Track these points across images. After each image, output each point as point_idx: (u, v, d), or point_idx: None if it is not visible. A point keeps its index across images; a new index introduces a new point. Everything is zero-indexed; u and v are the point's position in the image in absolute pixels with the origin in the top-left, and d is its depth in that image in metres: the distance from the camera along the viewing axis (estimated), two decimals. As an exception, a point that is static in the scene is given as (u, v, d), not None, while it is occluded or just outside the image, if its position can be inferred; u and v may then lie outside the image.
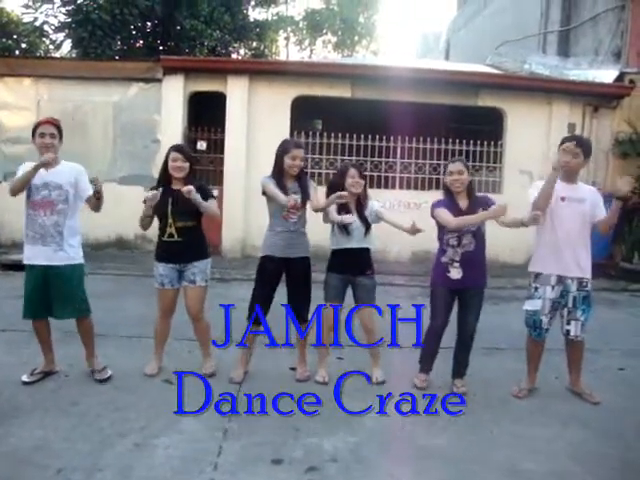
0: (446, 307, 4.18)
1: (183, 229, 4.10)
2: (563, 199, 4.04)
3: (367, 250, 4.27)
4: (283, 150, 4.14)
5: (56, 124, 4.04)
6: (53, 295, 4.02)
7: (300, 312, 4.30)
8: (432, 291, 4.27)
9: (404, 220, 4.16)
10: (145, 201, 3.99)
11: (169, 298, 4.24)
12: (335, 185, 4.21)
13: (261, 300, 4.22)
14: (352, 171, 4.19)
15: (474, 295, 4.15)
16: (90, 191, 4.01)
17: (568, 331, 4.13)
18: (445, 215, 4.02)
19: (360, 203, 4.24)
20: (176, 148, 4.18)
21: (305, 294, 4.28)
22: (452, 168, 4.11)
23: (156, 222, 4.19)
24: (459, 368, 4.28)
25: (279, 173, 4.14)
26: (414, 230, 4.06)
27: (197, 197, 3.97)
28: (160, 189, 4.08)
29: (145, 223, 4.17)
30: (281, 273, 4.22)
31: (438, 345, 4.28)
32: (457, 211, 4.07)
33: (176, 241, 4.11)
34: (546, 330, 4.16)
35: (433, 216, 4.14)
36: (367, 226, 4.20)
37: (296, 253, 4.18)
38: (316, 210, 4.15)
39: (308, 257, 4.28)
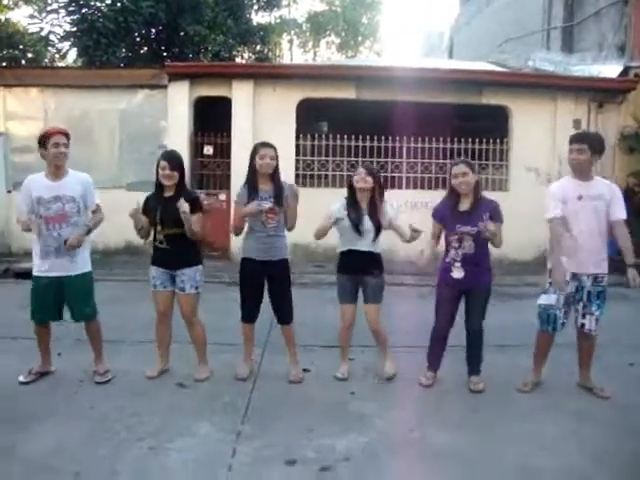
0: (449, 306, 4.22)
1: (171, 236, 4.18)
2: (580, 198, 4.03)
3: (374, 254, 4.29)
4: (253, 152, 4.22)
5: (67, 134, 4.15)
6: (68, 301, 4.20)
7: (282, 314, 4.38)
8: (437, 291, 4.33)
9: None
10: (131, 216, 4.15)
11: (162, 300, 4.33)
12: (349, 184, 4.34)
13: (249, 300, 4.33)
14: (359, 169, 4.28)
15: (477, 294, 4.19)
16: (96, 201, 4.21)
17: (583, 325, 4.15)
18: (433, 229, 4.26)
19: (373, 205, 4.25)
20: (165, 156, 4.23)
21: (286, 296, 4.36)
22: (456, 170, 4.12)
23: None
24: (472, 365, 4.31)
25: (253, 175, 4.23)
26: (413, 236, 4.14)
27: (188, 218, 4.06)
28: (140, 202, 4.25)
29: (142, 234, 4.30)
30: (263, 275, 4.28)
31: (443, 344, 4.32)
32: (457, 213, 4.12)
33: (165, 248, 4.21)
34: (562, 324, 4.18)
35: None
36: (378, 230, 4.24)
37: (276, 256, 4.26)
38: (290, 228, 4.30)
39: (287, 259, 4.36)
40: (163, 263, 4.25)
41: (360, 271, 4.29)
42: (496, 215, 4.07)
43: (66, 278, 4.14)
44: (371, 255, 4.28)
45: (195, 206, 4.15)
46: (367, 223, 4.21)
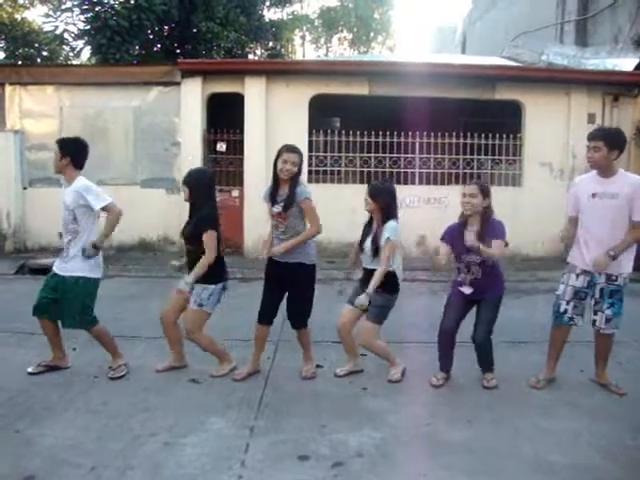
0: (457, 312, 4.24)
1: (187, 251, 4.32)
2: (594, 195, 4.00)
3: (372, 271, 4.18)
4: (277, 154, 4.18)
5: (58, 142, 4.19)
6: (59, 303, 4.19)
7: (290, 318, 4.35)
8: (448, 294, 4.38)
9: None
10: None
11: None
12: None
13: (264, 298, 4.34)
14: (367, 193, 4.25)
15: (486, 305, 4.19)
16: (98, 205, 4.07)
17: (594, 321, 4.13)
18: (441, 249, 4.23)
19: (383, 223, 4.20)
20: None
21: (297, 300, 4.29)
22: (465, 190, 4.10)
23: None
24: (483, 364, 4.31)
25: (275, 178, 4.22)
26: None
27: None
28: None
29: None
30: (280, 276, 4.26)
31: (450, 345, 4.29)
32: (462, 236, 4.06)
33: (187, 257, 4.35)
34: (570, 318, 4.16)
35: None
36: (375, 248, 4.16)
37: (291, 259, 4.18)
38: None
39: (306, 264, 4.23)
40: (187, 269, 4.31)
41: (362, 284, 4.27)
42: (498, 233, 4.01)
43: (60, 277, 4.15)
44: (371, 272, 4.18)
45: (201, 227, 4.13)
46: (368, 242, 4.21)
